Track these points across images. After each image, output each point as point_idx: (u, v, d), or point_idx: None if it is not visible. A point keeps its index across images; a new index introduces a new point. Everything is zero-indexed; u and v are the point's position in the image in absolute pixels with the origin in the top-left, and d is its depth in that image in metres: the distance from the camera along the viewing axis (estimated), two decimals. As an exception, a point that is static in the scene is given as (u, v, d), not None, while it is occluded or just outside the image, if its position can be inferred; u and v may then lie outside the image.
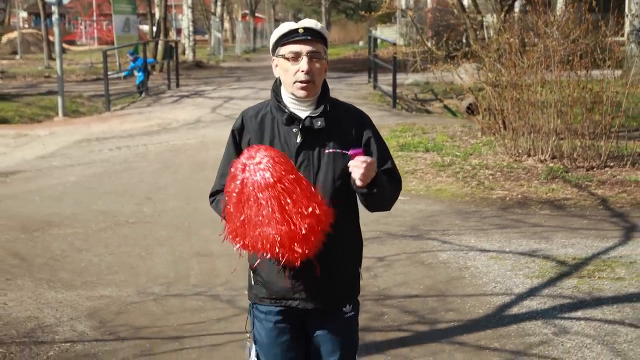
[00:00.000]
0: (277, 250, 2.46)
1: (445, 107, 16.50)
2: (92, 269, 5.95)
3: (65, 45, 36.56)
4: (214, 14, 40.15)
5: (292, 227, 2.44)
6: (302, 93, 2.70)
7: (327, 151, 2.71)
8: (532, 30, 10.26)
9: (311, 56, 2.69)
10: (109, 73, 17.94)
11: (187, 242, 6.65)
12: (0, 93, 19.15)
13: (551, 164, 9.17)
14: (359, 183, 2.57)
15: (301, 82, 2.68)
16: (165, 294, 5.35)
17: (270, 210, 2.44)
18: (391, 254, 6.09)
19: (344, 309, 2.81)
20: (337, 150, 2.71)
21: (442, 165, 9.43)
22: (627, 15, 17.91)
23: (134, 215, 7.56)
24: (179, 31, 34.52)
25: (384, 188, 2.68)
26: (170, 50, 23.10)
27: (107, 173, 9.84)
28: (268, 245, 2.47)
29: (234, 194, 2.51)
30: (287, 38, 2.71)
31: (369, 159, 2.55)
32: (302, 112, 2.74)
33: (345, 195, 2.72)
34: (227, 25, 51.70)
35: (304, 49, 2.68)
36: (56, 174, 9.89)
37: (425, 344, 4.43)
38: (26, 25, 50.16)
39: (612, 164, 9.11)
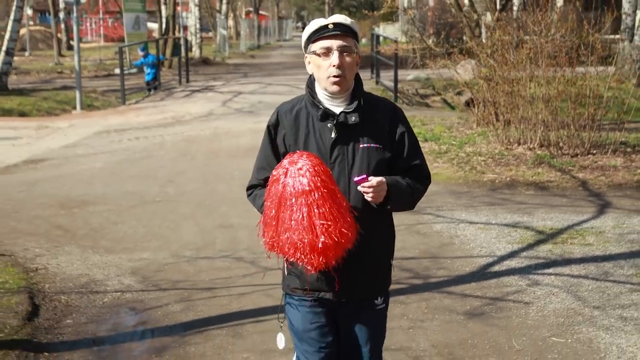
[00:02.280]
0: (298, 255, 2.57)
1: (444, 101, 17.31)
2: (128, 238, 6.79)
3: (72, 43, 37.40)
4: (219, 11, 40.95)
5: (314, 238, 2.53)
6: (334, 88, 2.74)
7: (361, 146, 2.75)
8: (522, 29, 11.07)
9: (342, 50, 2.73)
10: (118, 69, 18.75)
11: (209, 216, 7.48)
12: (17, 88, 20.02)
13: (539, 152, 9.99)
14: (371, 203, 2.71)
15: (334, 77, 2.72)
16: (196, 257, 6.19)
17: (300, 216, 2.53)
18: (391, 225, 6.90)
19: (376, 301, 2.88)
20: (372, 145, 2.75)
21: (439, 153, 10.26)
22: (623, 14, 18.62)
23: (159, 195, 8.39)
24: (185, 28, 35.31)
25: (400, 198, 2.76)
26: (179, 48, 23.92)
27: (130, 160, 10.67)
28: (292, 250, 2.57)
29: (276, 197, 2.60)
30: (318, 34, 2.75)
31: (374, 182, 2.64)
32: (336, 108, 2.78)
33: None
34: (231, 22, 52.50)
35: (334, 43, 2.73)
36: (82, 161, 10.72)
37: (418, 293, 5.27)
38: (31, 22, 50.98)
39: (595, 151, 9.91)
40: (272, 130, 2.86)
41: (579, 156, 9.77)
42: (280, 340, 3.00)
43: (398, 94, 16.55)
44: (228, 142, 11.82)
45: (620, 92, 11.79)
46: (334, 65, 2.72)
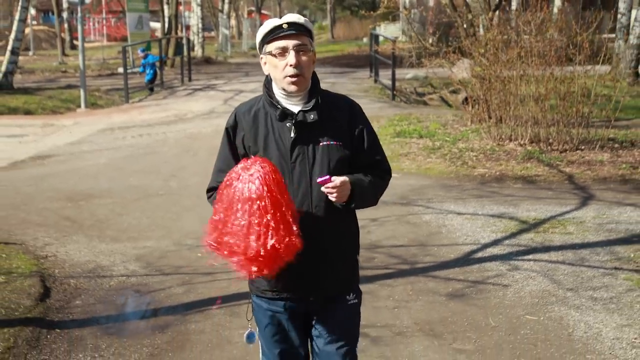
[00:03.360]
0: (234, 259, 2.58)
1: (442, 99, 17.65)
2: (133, 228, 7.14)
3: (75, 42, 37.82)
4: (222, 11, 41.28)
5: (247, 245, 2.54)
6: (292, 88, 2.74)
7: (321, 144, 2.75)
8: (514, 29, 11.41)
9: (298, 49, 2.72)
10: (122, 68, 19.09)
11: (210, 209, 7.79)
12: (22, 87, 20.38)
13: (529, 147, 10.33)
14: (336, 203, 2.71)
15: (291, 76, 2.71)
16: (197, 245, 6.52)
17: (241, 222, 2.54)
18: (383, 216, 7.26)
19: (347, 296, 2.88)
20: (332, 142, 2.76)
21: (432, 149, 10.60)
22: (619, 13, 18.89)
23: (162, 189, 8.75)
24: (187, 28, 35.65)
25: (364, 196, 2.77)
26: (182, 47, 24.28)
27: (134, 156, 11.03)
28: (229, 253, 2.60)
29: (227, 201, 2.61)
30: (272, 35, 2.74)
31: (337, 182, 2.65)
32: (294, 107, 2.78)
33: None
34: (233, 22, 52.83)
35: (290, 43, 2.71)
36: (87, 157, 11.08)
37: (405, 277, 5.63)
38: (34, 22, 51.41)
39: (583, 147, 10.26)
40: (231, 132, 2.85)
41: (567, 152, 10.11)
42: (250, 339, 3.02)
43: (396, 92, 16.90)
44: (229, 139, 12.15)
45: (615, 91, 12.11)
46: (290, 65, 2.71)
